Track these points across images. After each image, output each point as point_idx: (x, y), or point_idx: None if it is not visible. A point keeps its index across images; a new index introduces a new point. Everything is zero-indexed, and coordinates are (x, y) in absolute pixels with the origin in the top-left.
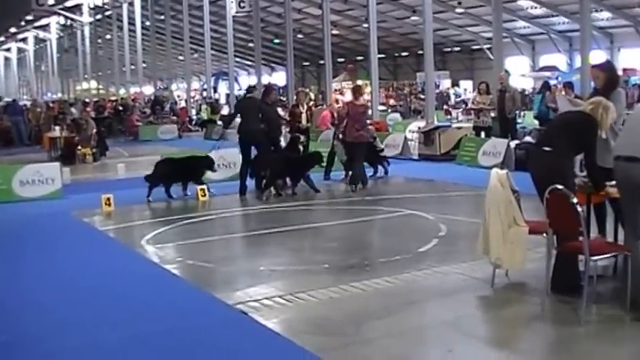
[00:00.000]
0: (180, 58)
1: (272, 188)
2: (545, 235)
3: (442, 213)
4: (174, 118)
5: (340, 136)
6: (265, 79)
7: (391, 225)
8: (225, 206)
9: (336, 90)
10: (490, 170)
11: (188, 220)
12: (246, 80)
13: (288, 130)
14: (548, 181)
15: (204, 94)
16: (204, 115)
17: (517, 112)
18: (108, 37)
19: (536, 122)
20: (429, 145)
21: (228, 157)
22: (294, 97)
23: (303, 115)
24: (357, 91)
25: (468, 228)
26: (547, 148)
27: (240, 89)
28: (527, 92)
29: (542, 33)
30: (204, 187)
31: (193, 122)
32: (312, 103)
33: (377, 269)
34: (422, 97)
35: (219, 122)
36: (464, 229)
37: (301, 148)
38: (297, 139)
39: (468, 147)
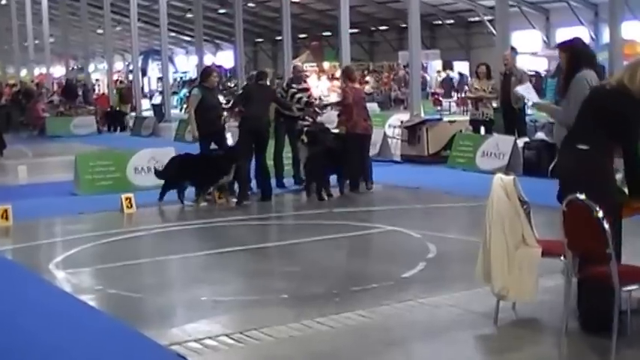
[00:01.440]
0: (100, 31)
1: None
2: (562, 258)
3: (431, 229)
4: (92, 108)
5: (340, 129)
6: (209, 60)
7: (366, 244)
8: (157, 220)
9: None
10: (492, 176)
11: (110, 238)
12: (183, 61)
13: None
14: (586, 190)
15: (131, 77)
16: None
17: (526, 101)
18: (3, 2)
19: None
20: (414, 144)
21: (161, 157)
22: (245, 82)
23: None
24: (351, 75)
25: (463, 248)
26: (582, 146)
27: (176, 72)
28: (539, 76)
29: (559, 0)
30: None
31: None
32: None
33: (349, 300)
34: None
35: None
36: (458, 250)
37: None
38: None
39: (464, 146)
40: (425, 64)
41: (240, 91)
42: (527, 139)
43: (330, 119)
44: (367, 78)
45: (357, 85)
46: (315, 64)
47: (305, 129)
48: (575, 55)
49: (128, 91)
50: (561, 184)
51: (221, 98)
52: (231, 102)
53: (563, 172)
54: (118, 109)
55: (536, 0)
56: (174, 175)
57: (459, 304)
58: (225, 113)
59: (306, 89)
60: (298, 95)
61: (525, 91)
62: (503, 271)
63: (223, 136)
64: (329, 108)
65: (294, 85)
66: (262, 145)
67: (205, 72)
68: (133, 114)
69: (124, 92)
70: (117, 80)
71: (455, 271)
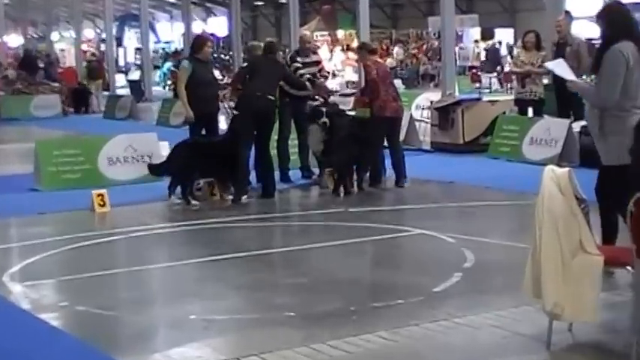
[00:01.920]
0: None
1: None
2: (629, 268)
3: (467, 233)
4: (57, 85)
5: (361, 112)
6: (198, 27)
7: (390, 251)
8: (135, 221)
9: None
10: (542, 167)
11: (79, 243)
12: (167, 28)
13: (235, 103)
14: None
15: (103, 47)
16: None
17: (584, 77)
18: None
19: None
20: (448, 130)
21: (140, 144)
22: (242, 55)
23: None
24: (370, 48)
25: (507, 257)
26: None
27: (158, 41)
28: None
29: None
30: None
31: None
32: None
33: (369, 319)
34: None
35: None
36: (501, 259)
37: None
38: None
39: (507, 131)
40: (460, 32)
41: (244, 65)
42: (584, 123)
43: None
44: (395, 49)
45: (379, 59)
46: (326, 32)
47: (324, 110)
48: (609, 23)
49: (99, 65)
50: (631, 177)
51: (216, 73)
52: (233, 77)
53: (636, 161)
54: (86, 85)
55: None
56: (183, 166)
57: (504, 324)
58: (225, 91)
59: (317, 62)
60: (302, 71)
61: (557, 66)
62: (557, 284)
63: (216, 119)
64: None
65: (298, 59)
66: (266, 131)
67: (198, 41)
68: (106, 93)
69: (94, 66)
70: (86, 52)
71: (497, 283)
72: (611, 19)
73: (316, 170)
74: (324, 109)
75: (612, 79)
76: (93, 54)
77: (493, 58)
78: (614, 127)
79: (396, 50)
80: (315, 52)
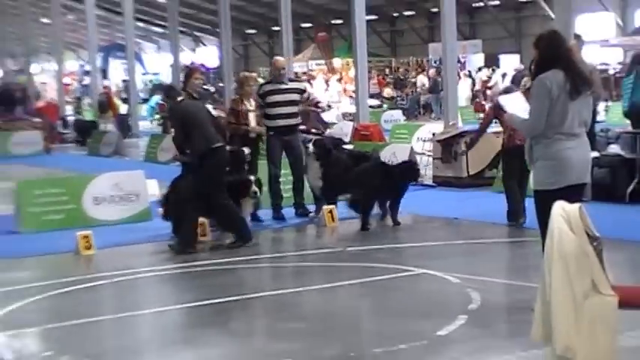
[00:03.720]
0: (46, 20)
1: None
2: None
3: (472, 273)
4: (38, 120)
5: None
6: (186, 58)
7: (392, 293)
8: (123, 264)
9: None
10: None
11: (63, 288)
12: (154, 59)
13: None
14: None
15: (87, 80)
16: (89, 115)
17: (596, 104)
18: None
19: (628, 121)
20: (450, 163)
21: (126, 183)
22: (235, 86)
23: (251, 116)
24: None
25: (514, 297)
26: None
27: (146, 73)
28: (612, 71)
29: None
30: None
31: (69, 127)
32: (308, 97)
33: None
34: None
35: (110, 127)
36: (508, 300)
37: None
38: (239, 153)
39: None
40: (462, 59)
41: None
42: (596, 154)
43: (342, 130)
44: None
45: None
46: (322, 61)
47: (312, 139)
48: (541, 51)
49: (108, 98)
50: None
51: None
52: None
53: None
54: (92, 119)
55: None
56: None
57: None
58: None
59: (298, 90)
60: (276, 97)
61: (508, 100)
62: (568, 326)
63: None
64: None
65: (267, 86)
66: None
67: (189, 73)
68: (110, 126)
69: (103, 99)
70: (69, 85)
71: (505, 326)
72: (542, 47)
73: (311, 207)
74: (312, 139)
75: (537, 108)
76: (105, 86)
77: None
78: (540, 153)
79: (423, 79)
80: (294, 80)
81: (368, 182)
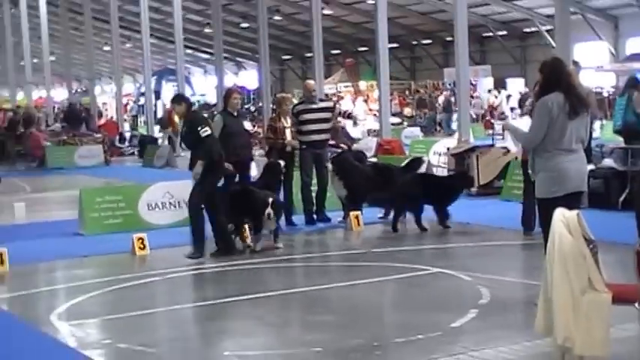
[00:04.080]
0: (106, 48)
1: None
2: (637, 305)
3: (483, 271)
4: (99, 136)
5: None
6: (229, 80)
7: (410, 289)
8: (173, 263)
9: (332, 95)
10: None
11: (120, 284)
12: (202, 81)
13: (265, 151)
14: None
15: (142, 100)
16: (144, 131)
17: (592, 123)
18: None
19: (620, 138)
20: None
21: (175, 191)
22: (272, 106)
23: (288, 132)
24: None
25: (520, 293)
26: None
27: (194, 94)
28: (606, 94)
29: (629, 5)
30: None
31: (126, 142)
32: (339, 111)
33: (391, 353)
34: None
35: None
36: (515, 296)
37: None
38: (276, 166)
39: (519, 176)
40: (474, 82)
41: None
42: (592, 167)
43: (367, 145)
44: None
45: None
46: (350, 83)
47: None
48: (544, 76)
49: (169, 115)
50: (638, 218)
51: (247, 124)
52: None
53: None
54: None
55: (603, 5)
56: (228, 212)
57: (518, 358)
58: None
59: (327, 108)
60: (308, 116)
61: (517, 123)
62: (567, 320)
63: (248, 167)
64: None
65: (300, 106)
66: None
67: (225, 94)
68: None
69: (164, 116)
70: (126, 104)
71: (512, 319)
72: (546, 72)
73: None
74: (330, 156)
75: (537, 125)
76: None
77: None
78: (542, 165)
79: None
80: (324, 100)
81: (410, 191)
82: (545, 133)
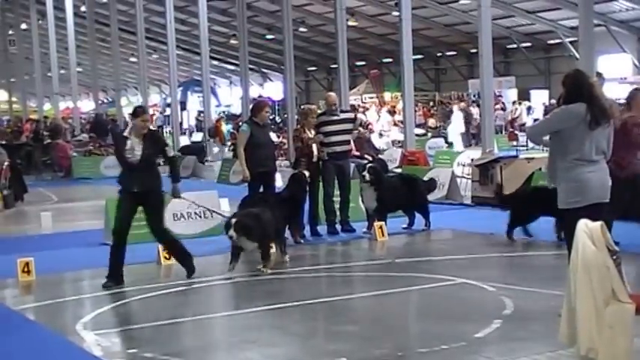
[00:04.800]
0: (133, 60)
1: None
2: None
3: (507, 282)
4: None
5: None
6: (255, 92)
7: (433, 299)
8: (198, 273)
9: (357, 106)
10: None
11: (146, 294)
12: (227, 92)
13: (292, 162)
14: None
15: (168, 111)
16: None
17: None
18: (24, 26)
19: None
20: (487, 185)
21: (202, 201)
22: (297, 117)
23: (313, 143)
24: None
25: (544, 304)
26: None
27: (219, 105)
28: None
29: None
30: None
31: None
32: (360, 122)
33: None
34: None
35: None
36: (539, 306)
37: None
38: (301, 177)
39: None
40: (498, 94)
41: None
42: None
43: (392, 156)
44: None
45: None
46: (374, 95)
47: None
48: (567, 87)
49: (217, 125)
50: None
51: (273, 136)
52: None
53: None
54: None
55: (627, 17)
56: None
57: None
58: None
59: (349, 119)
60: (332, 127)
61: None
62: (591, 330)
63: (273, 178)
64: None
65: (323, 117)
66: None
67: (257, 106)
68: (216, 149)
69: (212, 126)
70: (152, 115)
71: (535, 330)
72: (569, 84)
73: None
74: (366, 165)
75: (545, 122)
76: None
77: None
78: (562, 175)
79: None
80: (345, 111)
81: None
82: (544, 134)
